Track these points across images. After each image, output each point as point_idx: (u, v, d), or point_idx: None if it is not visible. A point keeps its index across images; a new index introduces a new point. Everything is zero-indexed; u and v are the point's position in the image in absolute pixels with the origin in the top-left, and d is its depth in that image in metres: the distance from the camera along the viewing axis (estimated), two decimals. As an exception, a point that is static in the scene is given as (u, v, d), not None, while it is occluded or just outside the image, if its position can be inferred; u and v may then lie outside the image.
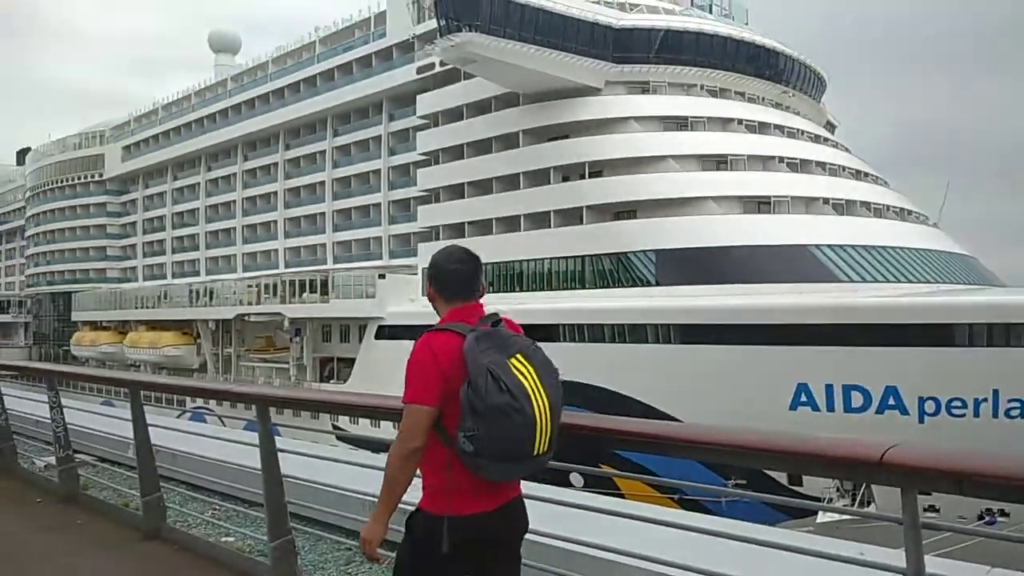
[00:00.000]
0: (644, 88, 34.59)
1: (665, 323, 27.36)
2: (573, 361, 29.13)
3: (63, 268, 71.27)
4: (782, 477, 22.25)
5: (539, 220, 34.45)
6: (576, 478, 19.10)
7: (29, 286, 77.31)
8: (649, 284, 30.61)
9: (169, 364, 51.73)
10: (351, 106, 47.25)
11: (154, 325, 55.34)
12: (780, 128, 35.37)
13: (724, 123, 34.05)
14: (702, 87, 35.24)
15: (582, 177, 33.53)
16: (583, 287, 32.60)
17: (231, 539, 5.43)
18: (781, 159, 33.29)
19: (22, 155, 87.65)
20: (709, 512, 12.91)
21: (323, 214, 49.39)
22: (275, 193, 53.33)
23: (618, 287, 31.46)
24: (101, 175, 69.17)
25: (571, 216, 33.61)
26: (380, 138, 45.87)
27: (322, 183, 49.63)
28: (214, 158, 59.49)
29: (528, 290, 34.30)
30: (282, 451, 4.35)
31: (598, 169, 33.14)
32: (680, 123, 33.62)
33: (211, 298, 50.26)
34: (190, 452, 6.27)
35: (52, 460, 7.25)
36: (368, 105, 46.50)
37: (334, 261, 47.62)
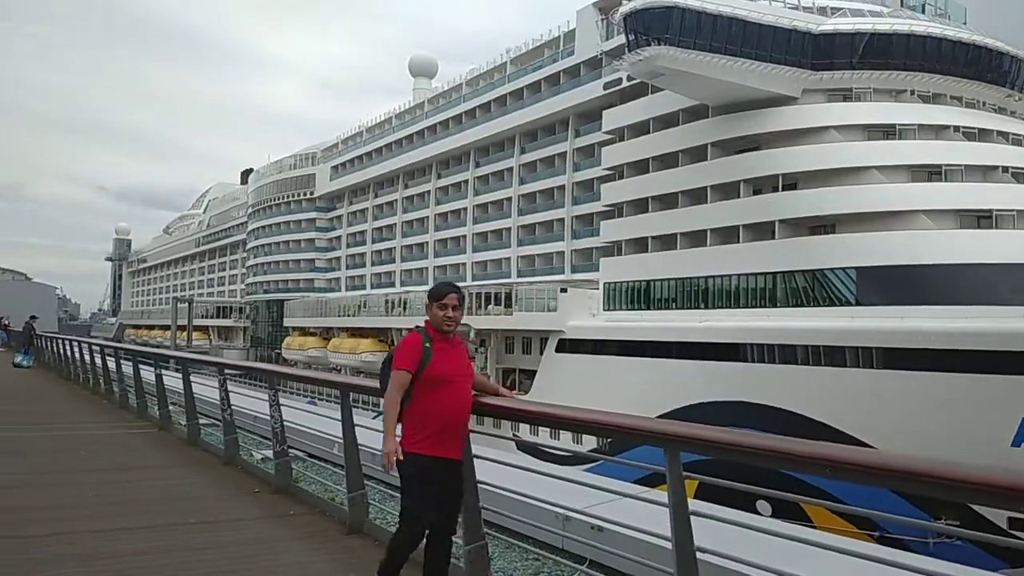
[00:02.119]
0: (846, 95, 32.44)
1: (867, 346, 25.42)
2: (760, 383, 28.06)
3: (277, 278, 78.25)
4: (1000, 519, 19.95)
5: (727, 235, 33.27)
6: (764, 506, 18.17)
7: (248, 294, 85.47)
8: (848, 303, 28.60)
9: (366, 369, 55.09)
10: (538, 123, 48.24)
11: (354, 332, 59.37)
12: (1004, 135, 31.89)
13: (938, 131, 31.18)
14: (912, 92, 32.51)
15: (775, 190, 31.97)
16: (773, 305, 31.01)
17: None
18: (1005, 169, 29.96)
19: (245, 175, 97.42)
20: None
21: (509, 229, 50.73)
22: (464, 209, 55.48)
23: (813, 306, 29.66)
24: (312, 193, 75.38)
25: (762, 231, 32.16)
26: (565, 154, 46.44)
27: (509, 199, 51.03)
28: (411, 176, 62.99)
29: (713, 307, 33.18)
30: (477, 457, 4.43)
31: (792, 181, 31.47)
32: (887, 131, 31.18)
33: (404, 308, 53.06)
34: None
35: (269, 454, 7.87)
36: (555, 122, 47.26)
37: (518, 275, 48.71)
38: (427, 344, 3.99)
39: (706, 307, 33.47)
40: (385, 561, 4.03)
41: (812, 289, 30.00)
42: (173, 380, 11.56)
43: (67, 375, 19.91)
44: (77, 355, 19.07)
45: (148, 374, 12.46)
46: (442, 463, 3.95)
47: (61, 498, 6.75)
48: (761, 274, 31.60)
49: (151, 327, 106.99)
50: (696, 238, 34.65)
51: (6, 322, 37.26)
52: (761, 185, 32.76)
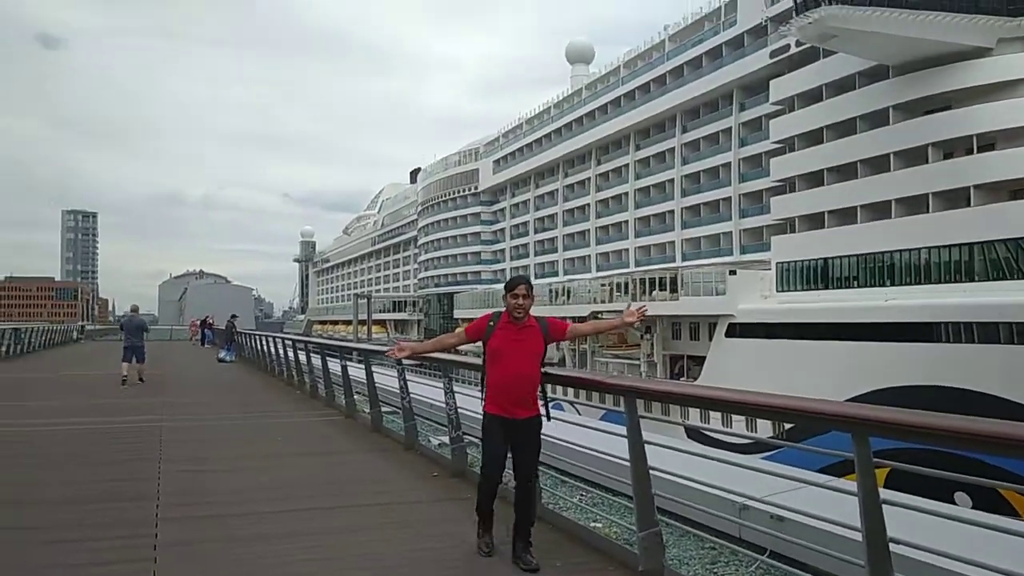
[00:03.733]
0: (1050, 41, 29.05)
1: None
2: (956, 365, 25.75)
3: (446, 272, 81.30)
4: None
5: (914, 205, 30.81)
6: (963, 498, 16.83)
7: (420, 288, 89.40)
8: (1061, 274, 25.67)
9: (534, 357, 55.97)
10: (700, 100, 46.87)
11: (519, 321, 60.45)
12: None
13: None
14: None
15: (969, 152, 29.22)
16: (970, 280, 28.40)
17: (598, 524, 5.62)
18: None
19: (414, 174, 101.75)
20: None
21: (672, 212, 49.68)
22: (626, 194, 54.93)
23: (1016, 279, 26.89)
24: (476, 187, 77.60)
25: (954, 198, 29.51)
26: (730, 130, 44.82)
27: (671, 180, 49.97)
28: (570, 164, 63.21)
29: (900, 284, 30.87)
30: (648, 443, 4.36)
31: (989, 142, 28.65)
32: (1101, 78, 27.64)
33: (568, 297, 53.41)
34: (560, 439, 6.61)
35: (445, 439, 8.18)
36: (717, 97, 45.71)
37: (683, 258, 47.62)
38: (491, 324, 4.82)
39: (892, 284, 31.25)
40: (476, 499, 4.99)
41: (1015, 260, 27.20)
42: (357, 371, 12.25)
43: (264, 368, 21.56)
44: (272, 350, 20.62)
45: (334, 366, 13.29)
46: (503, 420, 4.72)
47: (263, 479, 7.34)
48: (955, 246, 29.07)
49: (335, 322, 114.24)
50: (879, 210, 32.36)
51: (211, 321, 41.07)
52: (952, 148, 30.09)
